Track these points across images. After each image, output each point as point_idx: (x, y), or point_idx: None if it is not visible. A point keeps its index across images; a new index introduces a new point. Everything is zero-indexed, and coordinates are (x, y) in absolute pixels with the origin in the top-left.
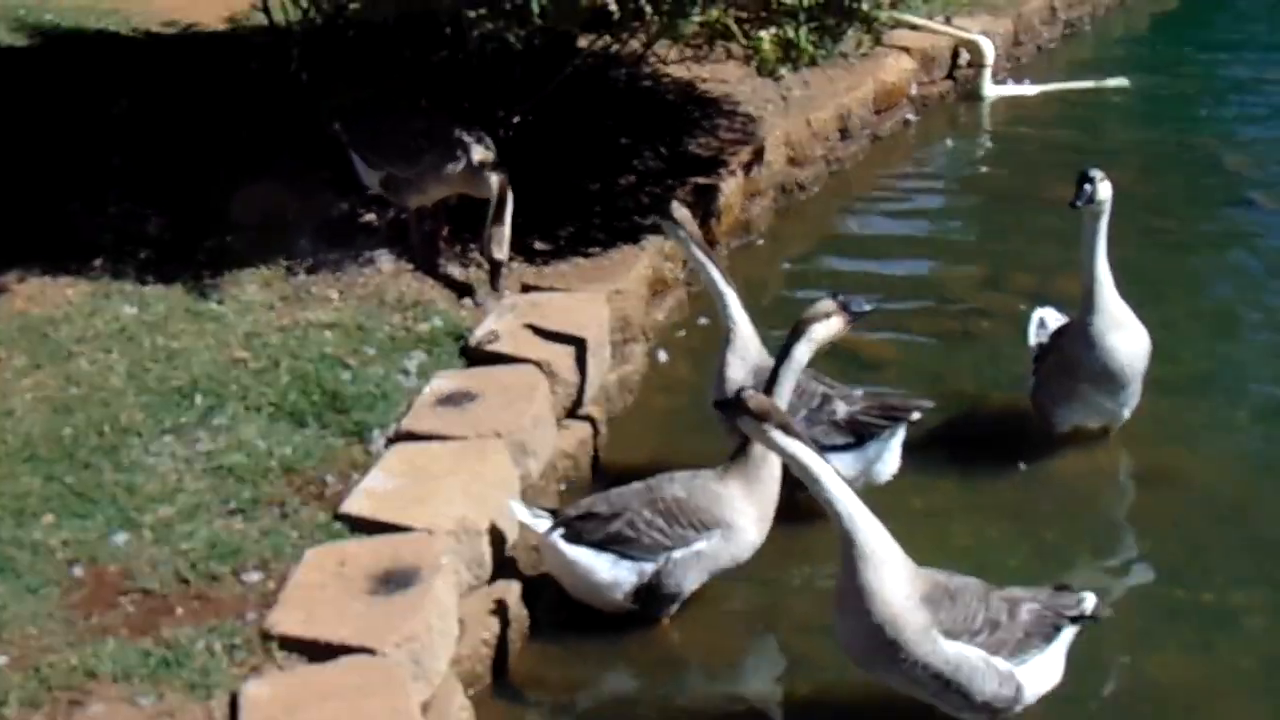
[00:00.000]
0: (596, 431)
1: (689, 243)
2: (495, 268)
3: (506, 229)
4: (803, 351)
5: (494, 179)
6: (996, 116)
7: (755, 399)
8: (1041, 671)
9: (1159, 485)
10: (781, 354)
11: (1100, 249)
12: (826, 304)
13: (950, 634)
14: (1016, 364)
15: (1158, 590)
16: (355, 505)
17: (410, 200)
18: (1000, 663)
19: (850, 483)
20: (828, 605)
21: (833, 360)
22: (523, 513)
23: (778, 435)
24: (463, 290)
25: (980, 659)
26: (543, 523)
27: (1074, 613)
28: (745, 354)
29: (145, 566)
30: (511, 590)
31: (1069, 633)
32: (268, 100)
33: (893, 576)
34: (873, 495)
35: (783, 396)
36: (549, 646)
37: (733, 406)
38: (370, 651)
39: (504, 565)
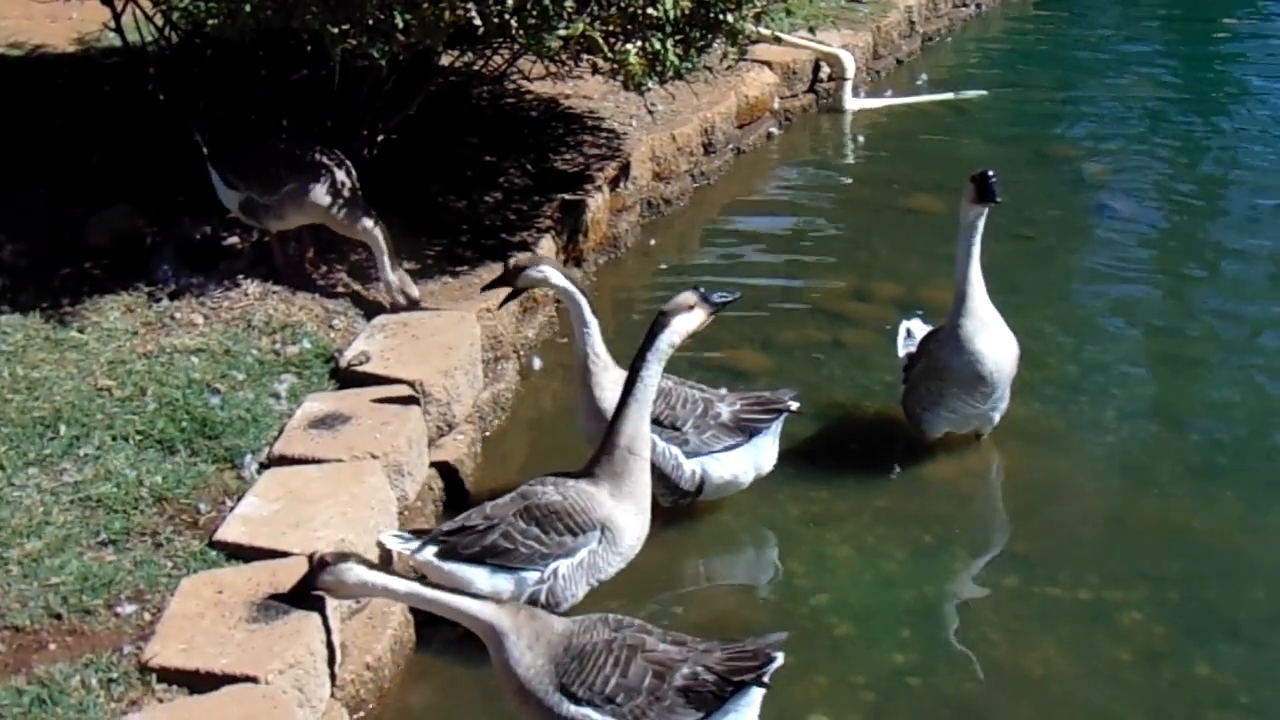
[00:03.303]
0: (470, 450)
1: (554, 279)
2: (414, 306)
3: (402, 270)
4: (666, 343)
5: (375, 228)
6: (858, 129)
7: (326, 556)
8: None
9: (1031, 487)
10: (644, 347)
11: (975, 252)
12: (688, 296)
13: (577, 699)
14: (887, 372)
15: (1034, 589)
16: (230, 532)
17: (271, 225)
18: None
19: (742, 477)
20: (717, 606)
21: (705, 371)
22: (392, 541)
23: (365, 573)
24: (330, 311)
25: None
26: (413, 545)
27: (747, 678)
28: (613, 380)
29: (14, 603)
30: (394, 611)
31: (752, 695)
32: (122, 122)
33: (515, 651)
34: (750, 506)
35: (649, 385)
36: (434, 665)
37: (313, 572)
38: (253, 680)
39: None
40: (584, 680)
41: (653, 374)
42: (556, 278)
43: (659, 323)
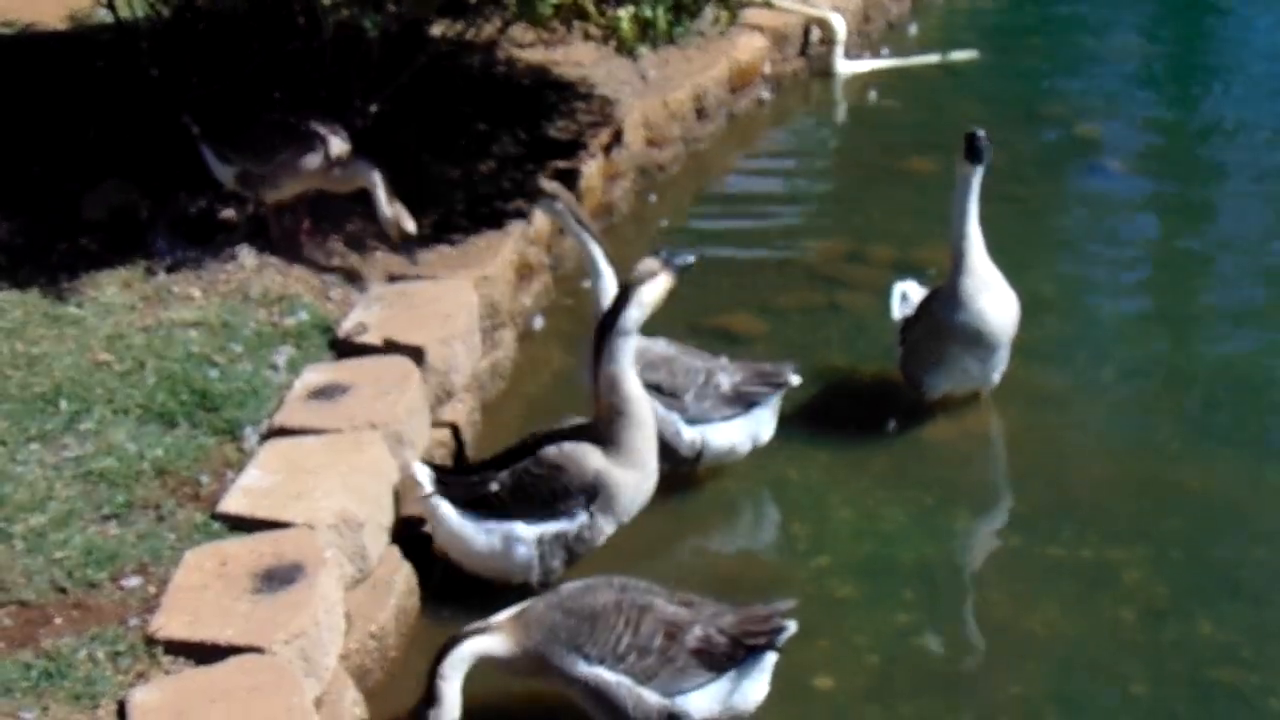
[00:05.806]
0: (470, 418)
1: (569, 218)
2: (408, 240)
3: (398, 203)
4: (634, 316)
5: (371, 169)
6: (850, 92)
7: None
8: (710, 702)
9: (1031, 447)
10: (610, 319)
11: (973, 210)
12: (650, 263)
13: (590, 659)
14: (884, 335)
15: (1036, 549)
16: (233, 504)
17: (267, 196)
18: (650, 695)
19: (740, 446)
20: (719, 570)
21: (701, 336)
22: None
23: None
24: (327, 282)
25: (622, 687)
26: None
27: (760, 641)
28: None
29: (19, 578)
30: (398, 579)
31: (765, 660)
32: (116, 98)
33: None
34: (751, 470)
35: (623, 364)
36: (438, 634)
37: None
38: (258, 650)
39: (388, 553)
40: (597, 640)
41: (627, 353)
42: (570, 220)
43: (623, 296)
